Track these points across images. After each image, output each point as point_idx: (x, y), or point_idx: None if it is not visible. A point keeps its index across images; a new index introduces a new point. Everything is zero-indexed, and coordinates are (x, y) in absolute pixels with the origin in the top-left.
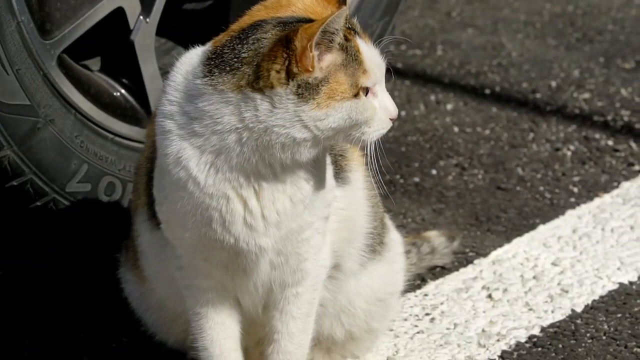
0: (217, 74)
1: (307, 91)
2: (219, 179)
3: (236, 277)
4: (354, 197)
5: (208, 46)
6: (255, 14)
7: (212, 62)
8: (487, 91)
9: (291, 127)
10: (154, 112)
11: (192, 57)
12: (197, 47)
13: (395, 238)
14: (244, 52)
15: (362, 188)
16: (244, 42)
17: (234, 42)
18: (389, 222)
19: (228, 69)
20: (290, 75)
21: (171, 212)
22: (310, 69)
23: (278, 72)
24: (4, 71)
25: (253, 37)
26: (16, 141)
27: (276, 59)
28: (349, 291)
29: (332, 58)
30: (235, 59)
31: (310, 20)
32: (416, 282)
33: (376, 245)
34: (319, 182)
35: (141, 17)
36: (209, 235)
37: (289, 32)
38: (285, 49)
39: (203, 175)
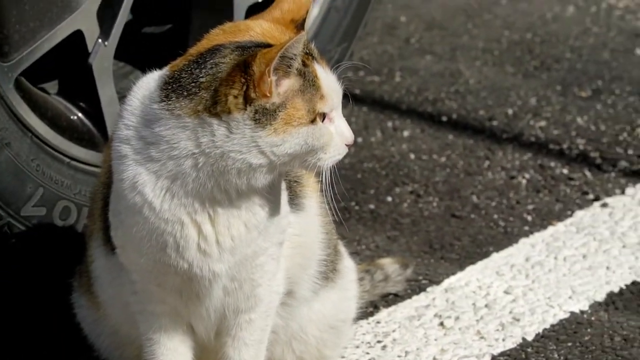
0: (174, 98)
1: (264, 117)
2: (174, 205)
3: (190, 302)
4: (308, 223)
5: (165, 70)
6: (214, 38)
7: (169, 87)
8: (444, 118)
9: (247, 153)
10: (111, 137)
11: (149, 82)
12: (155, 71)
13: (348, 265)
14: (201, 77)
15: (317, 214)
16: (202, 66)
17: (192, 66)
18: (343, 249)
19: (185, 93)
20: (247, 101)
21: (126, 237)
22: (268, 94)
23: (236, 97)
24: None
25: (211, 61)
26: None
27: (234, 84)
28: (301, 318)
29: (290, 83)
30: (192, 84)
31: (268, 45)
32: (369, 309)
33: (329, 272)
34: (274, 208)
35: (100, 40)
36: (164, 261)
37: (247, 57)
38: (244, 73)
39: (159, 200)
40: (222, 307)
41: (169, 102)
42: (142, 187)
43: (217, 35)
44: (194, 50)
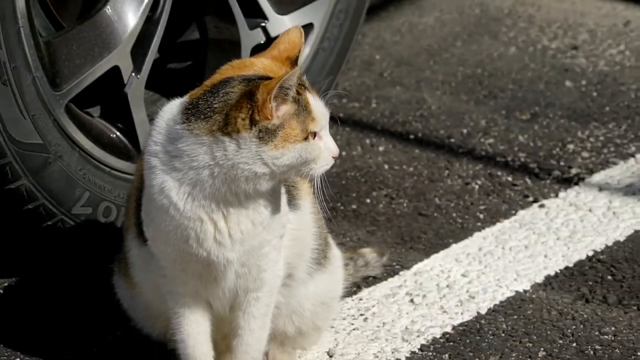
0: (193, 120)
1: (266, 135)
2: (195, 206)
3: (208, 284)
4: (303, 220)
5: (185, 98)
6: (224, 72)
7: (189, 111)
8: (412, 136)
9: (253, 164)
10: (142, 151)
11: (173, 107)
12: (177, 99)
13: (336, 254)
14: (215, 103)
15: (310, 213)
16: (216, 95)
17: (207, 95)
18: (332, 241)
19: (202, 116)
20: (253, 122)
21: (156, 232)
22: (270, 117)
23: (243, 119)
24: (22, 116)
25: (223, 91)
26: (31, 173)
27: (242, 109)
28: (299, 296)
29: (287, 108)
30: (208, 109)
31: (269, 78)
32: (353, 289)
33: (321, 259)
34: (276, 208)
35: (133, 74)
36: (187, 250)
37: (252, 87)
38: (249, 100)
39: (182, 202)
40: (234, 288)
41: (189, 124)
42: (168, 191)
43: (227, 70)
44: (208, 82)
